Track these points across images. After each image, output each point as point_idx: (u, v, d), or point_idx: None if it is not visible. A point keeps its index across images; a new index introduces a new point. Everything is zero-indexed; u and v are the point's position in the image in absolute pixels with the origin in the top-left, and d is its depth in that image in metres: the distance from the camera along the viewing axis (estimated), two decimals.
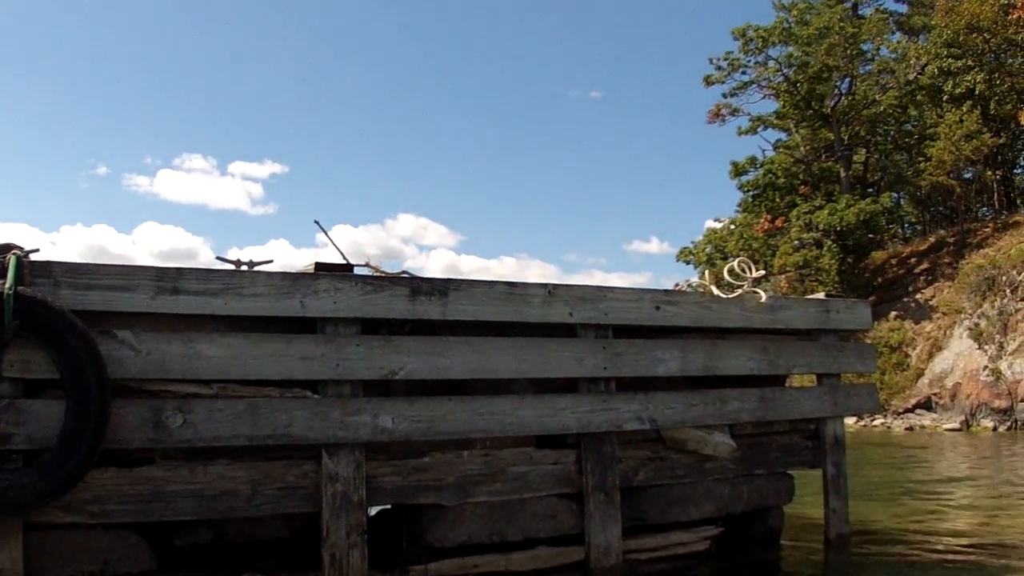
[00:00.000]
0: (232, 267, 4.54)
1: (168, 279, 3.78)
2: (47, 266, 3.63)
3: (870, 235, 32.86)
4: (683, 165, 71.89)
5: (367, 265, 4.56)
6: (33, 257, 3.68)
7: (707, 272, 5.50)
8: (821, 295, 5.95)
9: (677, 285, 5.43)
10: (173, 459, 3.82)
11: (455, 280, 4.35)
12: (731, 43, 36.76)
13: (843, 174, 34.85)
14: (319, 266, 4.15)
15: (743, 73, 36.19)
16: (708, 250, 37.11)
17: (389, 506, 4.50)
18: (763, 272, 5.43)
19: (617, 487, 4.69)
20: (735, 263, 5.30)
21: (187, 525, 3.94)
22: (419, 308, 4.21)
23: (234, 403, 3.82)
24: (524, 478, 4.49)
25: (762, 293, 5.26)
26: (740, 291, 5.20)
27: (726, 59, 36.13)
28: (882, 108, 33.50)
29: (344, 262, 4.34)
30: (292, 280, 3.99)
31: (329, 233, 4.86)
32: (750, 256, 5.82)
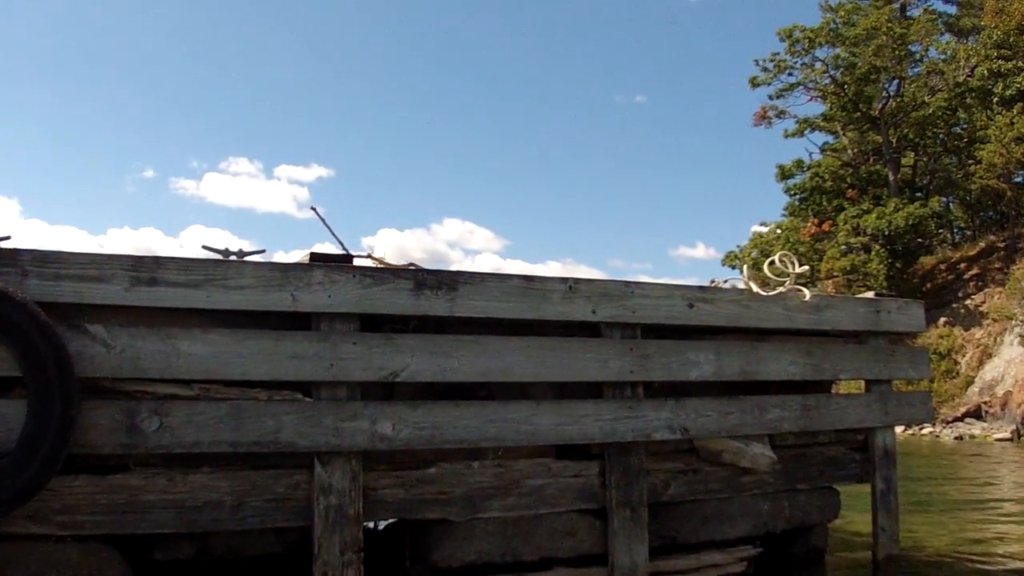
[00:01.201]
0: (219, 256, 4.18)
1: (145, 269, 3.42)
2: (14, 254, 3.28)
3: (919, 239, 32.35)
4: (728, 169, 71.53)
5: (369, 256, 4.18)
6: (3, 245, 3.37)
7: (746, 267, 5.05)
8: (870, 294, 5.48)
9: (712, 282, 5.01)
10: (152, 466, 3.47)
11: (465, 272, 3.95)
12: (777, 45, 36.34)
13: (891, 177, 34.32)
14: (314, 256, 3.77)
15: (789, 75, 35.87)
16: (754, 254, 36.71)
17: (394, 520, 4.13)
18: (807, 267, 4.99)
19: (644, 503, 4.27)
20: (776, 257, 4.87)
21: (167, 538, 3.58)
22: (424, 303, 3.83)
23: (216, 405, 3.45)
24: (541, 492, 4.09)
25: (805, 291, 4.82)
26: (782, 288, 4.77)
27: (772, 60, 35.79)
28: (931, 110, 33.01)
29: (343, 252, 3.97)
30: (282, 271, 3.62)
31: (326, 220, 4.49)
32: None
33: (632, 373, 4.25)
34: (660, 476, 4.41)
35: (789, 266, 4.81)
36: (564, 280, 4.16)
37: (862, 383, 5.29)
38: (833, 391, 5.37)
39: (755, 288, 4.71)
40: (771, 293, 4.72)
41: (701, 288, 4.60)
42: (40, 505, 3.24)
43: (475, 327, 3.99)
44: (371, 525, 4.34)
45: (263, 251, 4.26)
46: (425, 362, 3.78)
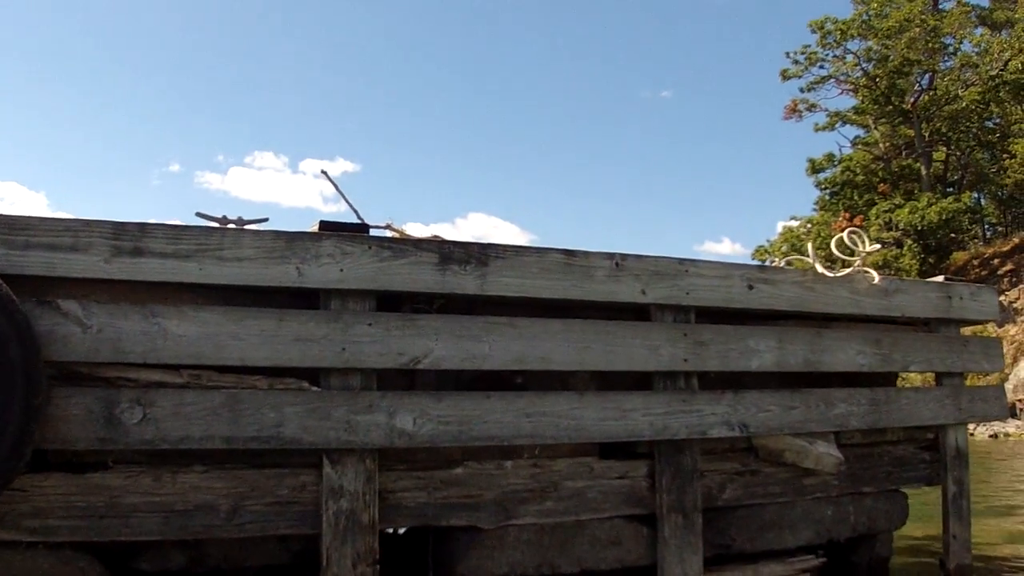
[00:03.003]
0: (215, 224, 3.70)
1: (128, 237, 2.95)
2: None
3: (951, 235, 31.97)
4: (756, 163, 70.99)
5: (388, 227, 3.70)
6: None
7: (810, 246, 4.54)
8: (940, 278, 4.94)
9: (773, 261, 4.49)
10: (135, 464, 3.01)
11: (498, 245, 3.46)
12: (808, 37, 35.94)
13: (923, 172, 33.88)
14: (324, 225, 3.29)
15: (821, 67, 35.73)
16: (784, 249, 36.44)
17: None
18: (877, 246, 4.46)
19: (698, 508, 3.78)
20: (844, 235, 4.35)
21: (154, 546, 3.12)
22: (450, 280, 3.34)
23: (208, 395, 2.98)
24: (582, 495, 3.60)
25: (874, 273, 4.31)
26: (849, 269, 4.26)
27: (803, 53, 35.46)
28: (964, 104, 32.66)
29: (358, 222, 3.49)
30: (287, 241, 3.13)
31: (339, 185, 4.00)
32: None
33: (686, 362, 3.76)
34: (715, 478, 3.92)
35: (859, 244, 4.30)
36: (610, 255, 3.66)
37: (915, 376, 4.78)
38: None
39: (820, 268, 4.20)
40: (838, 274, 4.21)
41: (761, 268, 4.09)
42: (6, 508, 2.80)
43: (509, 308, 3.52)
44: (390, 531, 3.88)
45: (266, 219, 3.77)
46: (451, 347, 3.30)
